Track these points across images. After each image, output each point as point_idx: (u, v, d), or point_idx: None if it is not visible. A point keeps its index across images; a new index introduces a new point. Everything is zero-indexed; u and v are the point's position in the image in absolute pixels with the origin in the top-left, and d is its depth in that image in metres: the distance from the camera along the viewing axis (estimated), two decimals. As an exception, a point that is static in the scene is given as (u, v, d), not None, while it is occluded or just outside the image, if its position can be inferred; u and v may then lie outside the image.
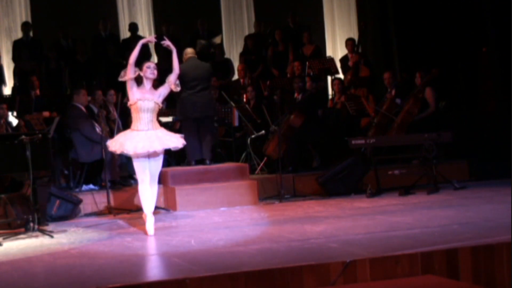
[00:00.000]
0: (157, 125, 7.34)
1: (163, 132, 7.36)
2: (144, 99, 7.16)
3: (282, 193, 9.29)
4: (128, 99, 10.64)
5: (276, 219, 7.78)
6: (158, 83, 11.51)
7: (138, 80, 7.28)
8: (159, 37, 13.08)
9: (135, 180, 9.95)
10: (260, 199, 9.24)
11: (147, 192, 7.25)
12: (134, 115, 7.25)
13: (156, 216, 8.50)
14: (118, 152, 7.33)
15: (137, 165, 7.22)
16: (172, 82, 7.32)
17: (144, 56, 13.08)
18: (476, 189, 9.24)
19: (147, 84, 7.27)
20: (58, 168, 9.54)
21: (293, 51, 12.78)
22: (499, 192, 8.59)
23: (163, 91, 7.31)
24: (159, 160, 7.30)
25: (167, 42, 7.53)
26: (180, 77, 9.71)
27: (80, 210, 8.93)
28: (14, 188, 8.48)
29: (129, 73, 7.19)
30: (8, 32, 13.22)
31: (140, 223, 8.02)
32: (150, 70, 7.27)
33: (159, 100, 7.26)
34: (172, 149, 7.46)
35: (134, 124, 7.25)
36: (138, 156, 7.14)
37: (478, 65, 12.90)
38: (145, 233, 7.22)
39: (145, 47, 13.06)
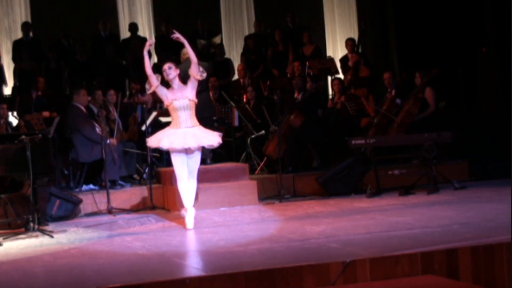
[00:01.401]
0: (196, 122, 7.46)
1: (201, 130, 7.48)
2: (178, 99, 7.32)
3: (282, 193, 9.29)
4: (127, 98, 10.69)
5: (276, 219, 7.78)
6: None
7: (167, 84, 7.45)
8: (159, 37, 13.20)
9: (135, 180, 9.99)
10: (260, 199, 9.23)
11: (186, 188, 7.42)
12: (172, 114, 7.43)
13: (156, 216, 8.54)
14: (154, 146, 7.51)
15: (175, 160, 7.39)
16: (195, 73, 7.39)
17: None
18: (476, 189, 9.24)
19: (175, 84, 7.40)
20: (58, 168, 9.54)
21: (293, 51, 12.78)
22: (499, 192, 8.58)
23: (192, 84, 7.41)
24: (196, 157, 7.43)
25: (176, 35, 7.61)
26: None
27: (80, 210, 8.93)
28: (14, 188, 8.48)
29: (153, 83, 7.37)
30: (8, 32, 13.22)
31: (140, 223, 8.03)
32: (166, 72, 7.40)
33: (192, 95, 7.37)
34: (207, 147, 7.56)
35: (173, 123, 7.43)
36: (174, 151, 7.32)
37: (478, 65, 12.89)
38: (185, 226, 7.35)
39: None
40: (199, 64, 7.50)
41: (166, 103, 7.42)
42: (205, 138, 7.42)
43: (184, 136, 7.29)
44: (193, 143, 7.30)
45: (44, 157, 7.86)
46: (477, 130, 10.90)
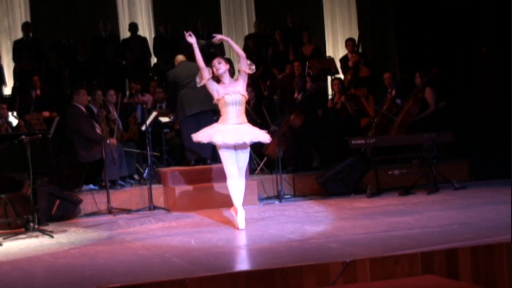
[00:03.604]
0: (245, 119, 7.28)
1: (250, 126, 7.32)
2: (230, 93, 7.13)
3: (282, 193, 9.30)
4: (127, 98, 10.68)
5: (276, 219, 7.78)
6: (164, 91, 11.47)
7: (218, 79, 7.28)
8: (160, 37, 13.20)
9: (135, 180, 9.99)
10: (260, 199, 9.24)
11: (237, 186, 7.19)
12: (222, 110, 7.21)
13: (156, 216, 8.55)
14: (206, 141, 7.30)
15: (225, 156, 7.17)
16: (244, 68, 7.19)
17: (144, 56, 13.14)
18: (476, 189, 9.24)
19: (225, 79, 7.23)
20: (58, 168, 9.54)
21: (293, 51, 12.79)
22: (499, 192, 8.59)
23: (243, 79, 7.21)
24: (246, 153, 7.25)
25: (218, 37, 7.40)
26: (174, 81, 9.76)
27: (80, 210, 8.93)
28: (14, 188, 8.49)
29: (204, 76, 7.19)
30: (8, 32, 13.23)
31: (140, 223, 8.03)
32: (216, 67, 7.22)
33: (244, 90, 7.20)
34: (262, 141, 7.40)
35: (223, 118, 7.23)
36: (227, 146, 7.12)
37: (478, 65, 12.89)
38: (236, 226, 7.15)
39: (145, 47, 13.13)
40: (247, 57, 7.25)
41: (216, 97, 7.18)
42: (258, 133, 7.27)
43: (237, 132, 7.11)
44: (247, 138, 7.12)
45: (44, 157, 7.86)
46: (477, 130, 10.90)
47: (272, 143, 10.14)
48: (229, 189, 7.25)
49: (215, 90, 7.18)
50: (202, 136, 7.27)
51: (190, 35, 7.23)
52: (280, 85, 11.84)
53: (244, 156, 7.25)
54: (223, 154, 7.19)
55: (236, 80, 7.25)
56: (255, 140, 7.26)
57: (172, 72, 9.92)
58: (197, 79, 7.29)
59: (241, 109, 7.20)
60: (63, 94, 11.83)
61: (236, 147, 7.17)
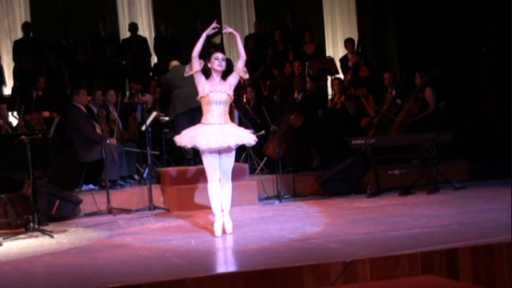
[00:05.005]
0: (228, 119, 6.98)
1: (235, 127, 7.09)
2: (216, 91, 6.80)
3: (282, 193, 9.30)
4: (127, 98, 10.66)
5: (276, 219, 7.78)
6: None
7: (206, 73, 6.98)
8: (160, 37, 13.22)
9: (135, 180, 9.99)
10: (260, 199, 9.24)
11: (217, 191, 6.87)
12: (205, 108, 6.87)
13: (156, 216, 8.54)
14: (189, 146, 6.96)
15: (207, 161, 6.84)
16: (240, 70, 6.89)
17: (144, 56, 13.15)
18: (476, 189, 9.24)
19: (216, 76, 6.91)
20: (58, 168, 9.54)
21: (293, 51, 12.80)
22: (499, 192, 8.59)
23: (233, 80, 6.91)
24: (232, 156, 6.91)
25: (229, 30, 7.08)
26: (167, 84, 9.77)
27: (80, 210, 8.93)
28: (14, 188, 8.49)
29: (195, 67, 6.85)
30: (8, 32, 13.25)
31: (140, 223, 8.03)
32: (218, 62, 6.89)
33: (231, 91, 6.91)
34: (247, 144, 7.13)
35: (205, 117, 6.91)
36: (210, 151, 6.80)
37: (478, 65, 12.90)
38: (213, 232, 6.89)
39: (145, 47, 13.14)
40: (247, 57, 7.01)
41: (201, 94, 6.81)
42: (242, 136, 6.93)
43: (222, 134, 6.78)
44: (231, 142, 6.80)
45: (44, 157, 7.87)
46: (477, 130, 10.91)
47: (272, 143, 10.17)
48: (209, 194, 6.94)
49: (202, 85, 6.87)
50: (185, 139, 6.94)
51: (215, 28, 6.97)
52: (280, 85, 11.84)
53: (229, 160, 6.92)
54: (206, 158, 6.86)
55: (225, 80, 6.96)
56: (240, 143, 6.93)
57: (164, 76, 9.98)
58: (187, 69, 6.98)
59: (225, 108, 6.90)
60: (63, 94, 11.83)
61: (221, 151, 6.86)
